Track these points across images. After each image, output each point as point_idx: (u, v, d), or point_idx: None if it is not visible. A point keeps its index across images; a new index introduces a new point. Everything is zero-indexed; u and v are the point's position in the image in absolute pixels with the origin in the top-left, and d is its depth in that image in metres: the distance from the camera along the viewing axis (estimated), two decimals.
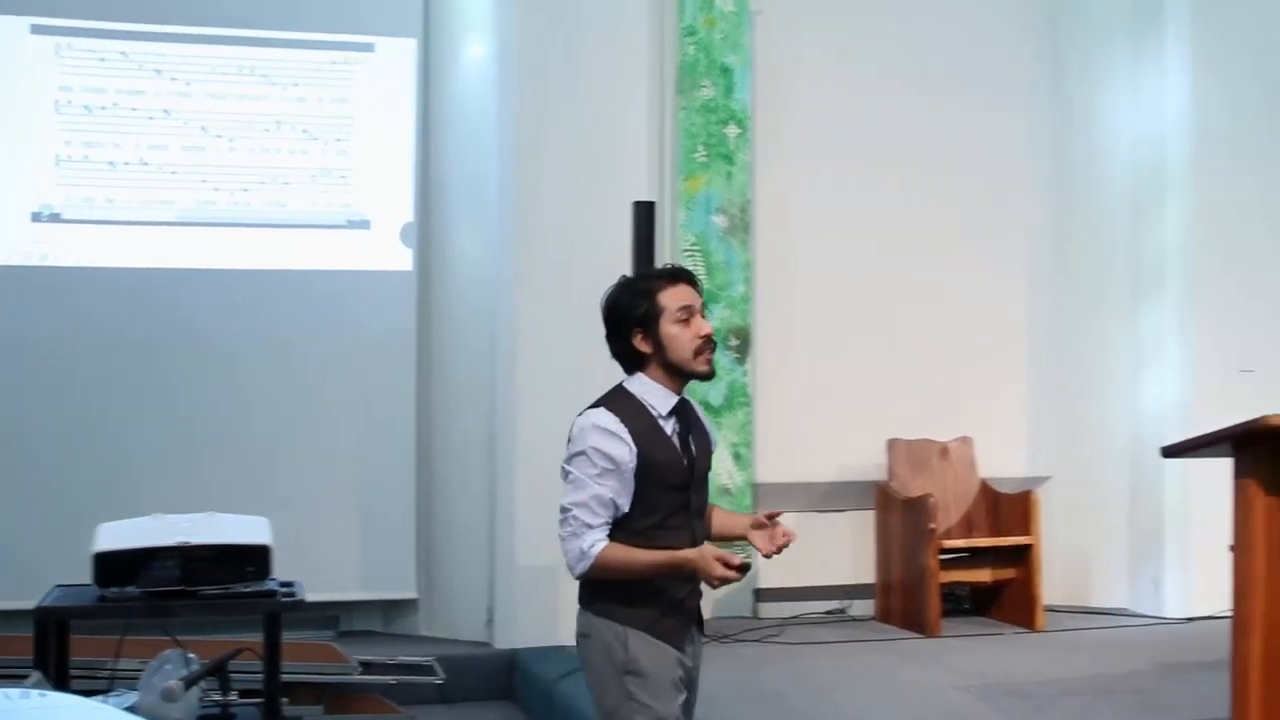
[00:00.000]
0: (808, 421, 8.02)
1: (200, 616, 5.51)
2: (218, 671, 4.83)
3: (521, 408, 7.28)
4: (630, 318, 3.60)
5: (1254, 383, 7.70)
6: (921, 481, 8.06)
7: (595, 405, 3.61)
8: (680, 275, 3.69)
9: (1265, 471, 4.46)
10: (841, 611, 8.11)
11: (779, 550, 3.57)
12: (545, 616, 7.14)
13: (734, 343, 7.77)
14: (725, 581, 3.42)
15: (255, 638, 5.30)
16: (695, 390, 3.69)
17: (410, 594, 7.82)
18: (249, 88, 7.69)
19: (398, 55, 7.83)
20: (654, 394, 3.61)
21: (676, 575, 3.53)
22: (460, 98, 7.89)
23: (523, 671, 7.10)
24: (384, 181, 7.80)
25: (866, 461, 8.11)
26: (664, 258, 7.28)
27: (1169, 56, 8.10)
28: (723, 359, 7.43)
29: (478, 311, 7.72)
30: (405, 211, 7.82)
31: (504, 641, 7.37)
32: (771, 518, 3.62)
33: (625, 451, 3.50)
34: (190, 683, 4.78)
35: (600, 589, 3.58)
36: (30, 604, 5.13)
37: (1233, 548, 4.58)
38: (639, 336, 3.60)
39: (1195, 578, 7.75)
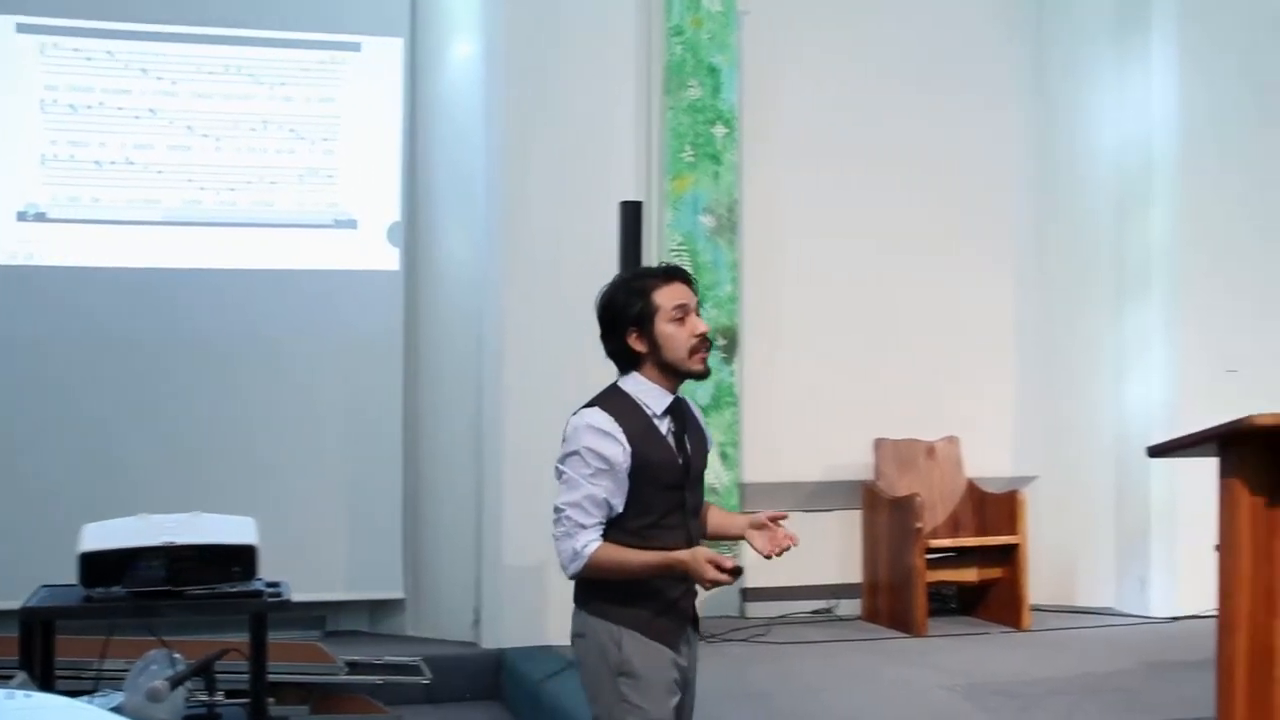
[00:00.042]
0: (795, 421, 8.03)
1: (186, 617, 5.50)
2: (203, 672, 4.81)
3: (508, 408, 7.28)
4: (625, 317, 3.58)
5: (1239, 382, 7.72)
6: (908, 481, 8.07)
7: (590, 405, 3.59)
8: (675, 274, 3.66)
9: (1250, 471, 4.46)
10: (828, 611, 8.12)
11: (780, 553, 3.55)
12: (532, 616, 7.14)
13: (721, 343, 7.77)
14: (717, 584, 3.40)
15: (241, 638, 5.29)
16: (682, 390, 3.67)
17: (397, 594, 7.81)
18: (235, 87, 7.67)
19: (384, 55, 7.83)
20: (649, 393, 3.60)
21: (669, 576, 3.51)
22: (447, 97, 7.89)
23: (509, 671, 7.10)
24: (371, 181, 7.80)
25: (853, 461, 8.12)
26: (651, 258, 7.29)
27: (1155, 57, 8.11)
28: (709, 359, 7.41)
29: (465, 311, 7.72)
30: (392, 211, 7.81)
31: (491, 641, 7.36)
32: (775, 520, 3.60)
33: (619, 451, 3.49)
34: (176, 683, 4.77)
35: (595, 589, 3.57)
36: (16, 604, 5.12)
37: (1218, 547, 4.58)
38: (634, 335, 3.58)
39: (1181, 577, 7.77)
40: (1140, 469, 7.79)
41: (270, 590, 5.22)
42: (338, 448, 7.74)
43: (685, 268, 3.79)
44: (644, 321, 3.57)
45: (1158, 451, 4.95)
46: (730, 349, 7.84)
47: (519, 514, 7.12)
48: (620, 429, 3.51)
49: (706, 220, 7.87)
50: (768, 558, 3.56)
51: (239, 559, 5.19)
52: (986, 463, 8.29)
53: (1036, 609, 7.81)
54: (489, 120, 7.56)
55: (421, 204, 7.88)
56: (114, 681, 5.27)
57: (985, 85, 8.42)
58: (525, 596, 7.17)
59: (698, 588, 3.57)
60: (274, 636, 5.44)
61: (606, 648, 3.54)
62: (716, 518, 3.85)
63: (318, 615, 7.66)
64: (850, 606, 8.10)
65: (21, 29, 7.43)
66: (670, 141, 7.86)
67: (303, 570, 6.20)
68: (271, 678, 5.48)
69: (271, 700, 5.57)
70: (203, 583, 5.12)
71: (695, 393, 7.47)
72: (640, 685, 3.52)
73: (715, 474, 7.68)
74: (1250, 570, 4.47)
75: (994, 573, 7.84)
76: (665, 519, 3.57)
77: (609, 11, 7.55)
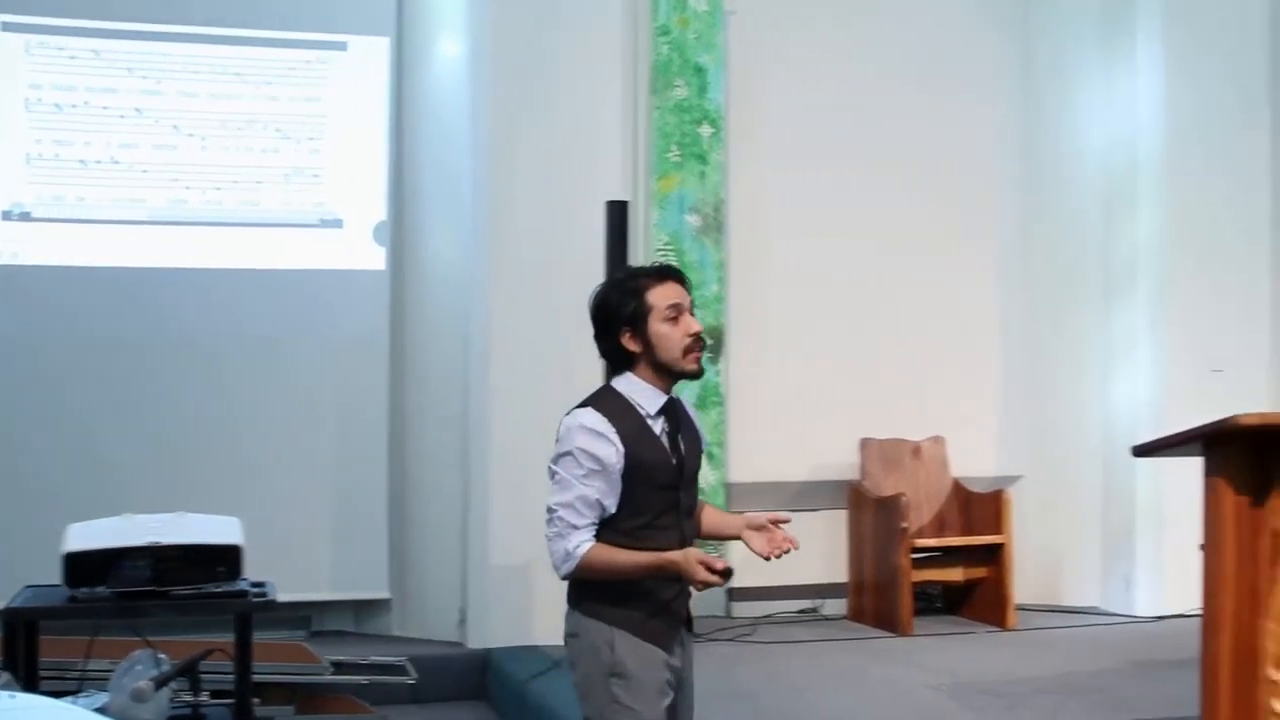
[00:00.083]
0: (780, 421, 8.03)
1: (171, 617, 5.48)
2: (188, 672, 4.81)
3: (494, 407, 7.28)
4: (618, 316, 3.56)
5: (1225, 382, 7.74)
6: (894, 481, 8.07)
7: (583, 405, 3.58)
8: (669, 273, 3.65)
9: (1235, 471, 4.47)
10: (814, 610, 8.12)
11: (779, 555, 3.54)
12: (518, 616, 7.14)
13: (707, 342, 7.76)
14: (708, 585, 3.39)
15: (226, 638, 5.28)
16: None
17: (382, 594, 7.80)
18: (221, 86, 7.66)
19: (371, 54, 7.81)
20: (642, 393, 3.58)
21: (661, 576, 3.50)
22: (433, 97, 7.88)
23: (495, 671, 7.09)
24: (357, 180, 7.78)
25: (839, 461, 8.12)
26: (637, 257, 7.29)
27: (1140, 57, 8.13)
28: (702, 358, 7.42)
29: (451, 311, 7.71)
30: (378, 210, 7.80)
31: (476, 641, 7.36)
32: (775, 522, 3.58)
33: (612, 452, 3.48)
34: (161, 683, 4.76)
35: (589, 589, 3.56)
36: None
37: (1203, 547, 4.59)
38: (627, 335, 3.57)
39: (1166, 577, 7.78)
40: (1125, 469, 7.81)
41: (255, 590, 5.21)
42: (323, 448, 7.73)
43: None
44: (638, 321, 3.56)
45: (1143, 451, 4.96)
46: (716, 349, 7.84)
47: (505, 514, 7.12)
48: (613, 429, 3.50)
49: (693, 220, 7.87)
50: (766, 559, 3.56)
51: (224, 559, 5.18)
52: (972, 462, 8.30)
53: (1022, 608, 7.82)
54: (475, 120, 7.55)
55: (408, 203, 7.87)
56: (98, 682, 5.25)
57: (972, 85, 8.43)
58: (511, 596, 7.17)
59: (691, 589, 3.57)
60: (259, 636, 5.43)
61: (599, 648, 3.53)
62: (711, 518, 3.85)
63: (303, 615, 7.64)
64: (836, 606, 8.10)
65: (7, 28, 7.41)
66: (656, 141, 7.86)
67: (288, 570, 6.19)
68: (256, 678, 5.48)
69: (256, 700, 5.56)
70: (188, 583, 5.11)
71: (681, 393, 7.48)
72: (632, 686, 3.51)
73: (701, 474, 7.65)
74: (1235, 570, 4.48)
75: (979, 572, 7.85)
76: (659, 519, 3.56)
77: (595, 11, 7.55)
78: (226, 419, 7.57)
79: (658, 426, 3.59)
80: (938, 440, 8.27)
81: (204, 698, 5.15)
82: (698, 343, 3.60)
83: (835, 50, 8.22)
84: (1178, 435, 4.66)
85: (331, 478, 7.73)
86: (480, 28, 7.56)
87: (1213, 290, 8.02)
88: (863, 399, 8.15)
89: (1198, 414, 4.67)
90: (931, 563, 7.78)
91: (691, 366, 3.60)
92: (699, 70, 7.89)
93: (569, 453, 3.50)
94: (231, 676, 5.28)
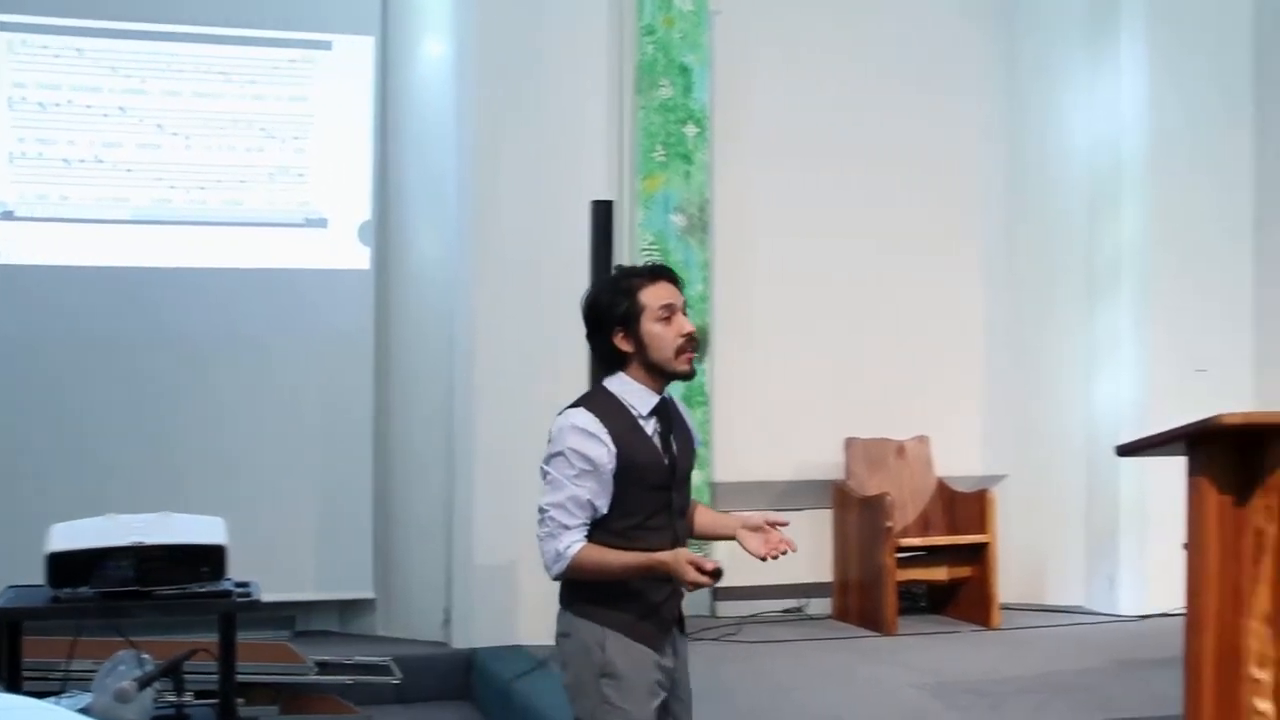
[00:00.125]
0: (765, 421, 8.03)
1: (155, 617, 5.47)
2: (172, 672, 4.80)
3: (479, 407, 7.27)
4: (611, 316, 3.56)
5: (1208, 382, 7.76)
6: (879, 480, 8.08)
7: (575, 405, 3.58)
8: (661, 273, 3.64)
9: (1218, 470, 4.49)
10: (799, 610, 8.13)
11: (775, 557, 3.53)
12: (503, 616, 7.14)
13: (699, 342, 7.77)
14: (698, 586, 3.39)
15: (211, 638, 5.27)
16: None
17: (367, 594, 7.79)
18: (205, 85, 7.63)
19: (355, 53, 7.80)
20: (634, 393, 3.58)
21: (651, 577, 3.49)
22: (418, 96, 7.87)
23: (480, 671, 7.09)
24: (342, 180, 7.77)
25: (824, 460, 8.13)
26: (622, 257, 7.29)
27: (1125, 57, 8.14)
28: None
29: (436, 310, 7.70)
30: (363, 210, 7.79)
31: (461, 641, 7.35)
32: (773, 524, 3.57)
33: (604, 453, 3.47)
34: (144, 684, 4.75)
35: (580, 590, 3.56)
36: None
37: (1186, 546, 4.61)
38: (620, 335, 3.56)
39: (1149, 576, 7.80)
40: (1109, 468, 7.83)
41: (239, 590, 5.20)
42: (308, 448, 7.71)
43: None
44: (630, 321, 3.55)
45: (1127, 451, 4.98)
46: (701, 349, 7.81)
47: (490, 513, 7.12)
48: (605, 430, 3.49)
49: (678, 220, 7.87)
50: (762, 559, 3.55)
51: (208, 559, 5.17)
52: (957, 462, 8.31)
53: (1006, 607, 7.83)
54: (460, 119, 7.55)
55: (393, 203, 7.86)
56: (82, 682, 5.24)
57: (957, 85, 8.44)
58: (496, 596, 7.16)
59: (682, 589, 3.57)
60: (243, 637, 5.43)
61: (590, 648, 3.53)
62: (705, 518, 3.84)
63: (287, 615, 7.62)
64: (821, 605, 8.11)
65: None
66: (642, 141, 7.86)
67: (272, 570, 6.19)
68: (241, 678, 5.47)
69: (241, 701, 5.55)
70: (172, 583, 5.10)
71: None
72: (622, 686, 3.51)
73: None
74: (1218, 569, 4.50)
75: (964, 571, 7.86)
76: (651, 520, 3.56)
77: (581, 11, 7.55)
78: (211, 419, 7.55)
79: (650, 427, 3.58)
80: (922, 440, 8.28)
81: (188, 698, 5.13)
82: (690, 343, 3.60)
83: (820, 50, 8.22)
84: (1161, 435, 4.68)
85: (316, 477, 7.71)
86: (466, 27, 7.55)
87: (1196, 290, 8.05)
88: (848, 398, 8.16)
89: (1181, 413, 4.69)
90: (916, 562, 7.80)
91: (684, 367, 3.60)
92: (684, 70, 7.89)
93: (561, 453, 3.49)
94: (216, 677, 5.27)
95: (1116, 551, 8.05)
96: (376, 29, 7.81)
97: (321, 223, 7.76)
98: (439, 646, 7.47)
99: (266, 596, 5.32)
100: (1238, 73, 8.22)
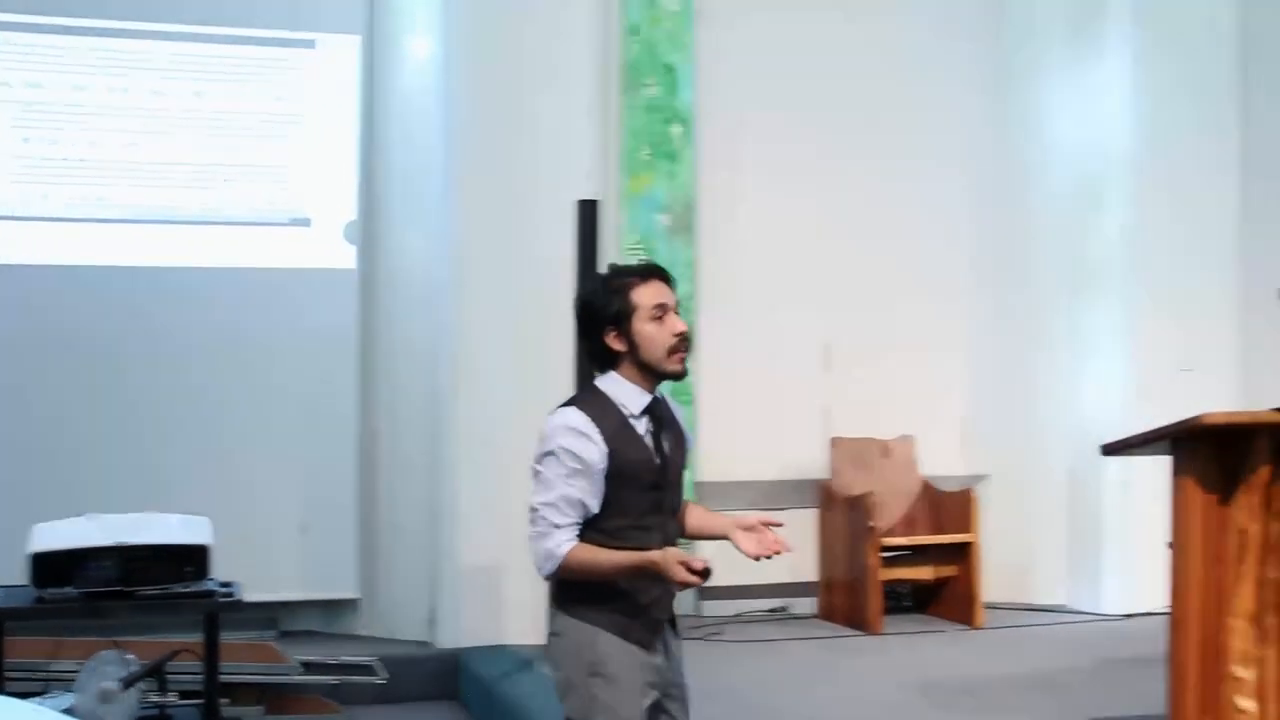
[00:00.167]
0: (750, 420, 8.04)
1: (138, 617, 5.47)
2: (156, 672, 4.80)
3: (464, 406, 7.26)
4: (603, 315, 3.54)
5: (1192, 381, 7.76)
6: (863, 480, 8.09)
7: (566, 404, 3.57)
8: (654, 272, 3.63)
9: (1202, 470, 4.50)
10: (784, 609, 8.13)
11: (769, 557, 3.52)
12: (487, 616, 7.12)
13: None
14: (687, 585, 3.38)
15: (194, 638, 5.26)
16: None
17: (351, 593, 7.77)
18: (189, 84, 7.61)
19: (340, 52, 7.79)
20: (626, 393, 3.56)
21: (641, 576, 3.48)
22: (403, 95, 7.85)
23: (465, 671, 7.07)
24: (326, 179, 7.76)
25: (809, 460, 8.14)
26: (608, 257, 7.26)
27: (1110, 59, 8.16)
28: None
29: (421, 309, 7.69)
30: (348, 209, 7.78)
31: (446, 641, 7.34)
32: (768, 525, 3.57)
33: (595, 452, 3.45)
34: (128, 684, 4.75)
35: (572, 589, 3.54)
36: None
37: (1171, 545, 4.62)
38: (612, 335, 3.54)
39: (1134, 575, 7.81)
40: (1094, 467, 7.83)
41: (223, 590, 5.19)
42: (292, 447, 7.69)
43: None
44: (622, 320, 3.53)
45: (1111, 450, 4.98)
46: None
47: (475, 513, 7.10)
48: (597, 429, 3.47)
49: (663, 219, 7.88)
50: (755, 559, 3.55)
51: (191, 559, 5.16)
52: (941, 461, 8.32)
53: (990, 606, 7.84)
54: (445, 118, 7.53)
55: (377, 202, 7.84)
56: (65, 682, 5.24)
57: (944, 86, 8.45)
58: (481, 596, 7.15)
59: (674, 589, 3.56)
60: (227, 637, 5.42)
61: (581, 648, 3.52)
62: (698, 517, 3.83)
63: (271, 615, 7.60)
64: (806, 605, 8.11)
65: None
66: (627, 140, 7.86)
67: (256, 570, 6.16)
68: (225, 678, 5.46)
69: (225, 701, 5.54)
70: (155, 583, 5.09)
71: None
72: (612, 686, 3.50)
73: None
74: (1202, 568, 4.51)
75: (948, 571, 7.87)
76: (643, 519, 3.54)
77: (566, 10, 7.54)
78: (195, 417, 7.53)
79: (641, 426, 3.57)
80: (907, 439, 8.29)
81: (172, 698, 5.13)
82: (683, 343, 3.59)
83: (806, 50, 8.23)
84: (1146, 434, 4.68)
85: (300, 477, 7.69)
86: (451, 26, 7.54)
87: (1180, 290, 8.06)
88: (832, 398, 8.16)
89: (1165, 413, 4.69)
90: (900, 561, 7.81)
91: (676, 367, 3.59)
92: (669, 69, 7.90)
93: (552, 452, 3.47)
94: (200, 677, 5.26)
95: (1100, 551, 8.06)
96: (361, 28, 7.80)
97: (306, 222, 7.74)
98: (424, 646, 7.45)
99: (250, 596, 5.32)
100: (1221, 75, 8.24)
